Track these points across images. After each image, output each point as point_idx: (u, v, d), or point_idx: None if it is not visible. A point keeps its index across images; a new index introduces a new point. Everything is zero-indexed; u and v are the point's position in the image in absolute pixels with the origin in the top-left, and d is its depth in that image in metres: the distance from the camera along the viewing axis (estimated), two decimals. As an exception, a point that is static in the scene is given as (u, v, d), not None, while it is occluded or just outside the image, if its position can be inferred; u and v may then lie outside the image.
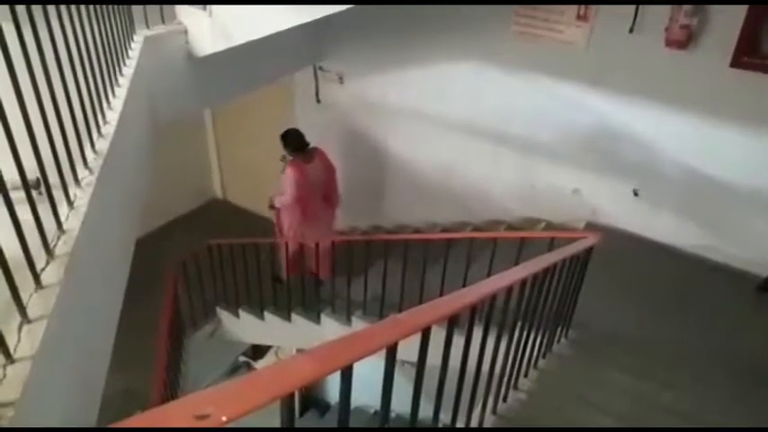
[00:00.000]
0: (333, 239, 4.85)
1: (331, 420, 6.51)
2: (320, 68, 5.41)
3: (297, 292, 4.33)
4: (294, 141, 4.55)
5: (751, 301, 3.76)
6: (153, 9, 3.27)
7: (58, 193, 1.49)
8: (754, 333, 3.47)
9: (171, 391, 3.69)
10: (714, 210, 4.01)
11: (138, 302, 2.59)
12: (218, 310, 4.85)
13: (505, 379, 2.59)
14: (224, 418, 0.77)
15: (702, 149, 3.86)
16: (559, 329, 3.17)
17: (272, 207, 4.92)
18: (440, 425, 2.01)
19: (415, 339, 1.42)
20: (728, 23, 3.41)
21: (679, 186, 4.05)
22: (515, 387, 2.77)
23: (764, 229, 3.83)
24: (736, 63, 3.45)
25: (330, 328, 4.24)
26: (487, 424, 2.52)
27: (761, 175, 3.71)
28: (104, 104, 2.15)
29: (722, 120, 3.70)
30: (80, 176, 1.69)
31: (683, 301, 3.70)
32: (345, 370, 1.12)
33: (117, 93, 2.35)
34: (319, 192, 4.76)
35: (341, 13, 3.14)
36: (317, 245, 4.27)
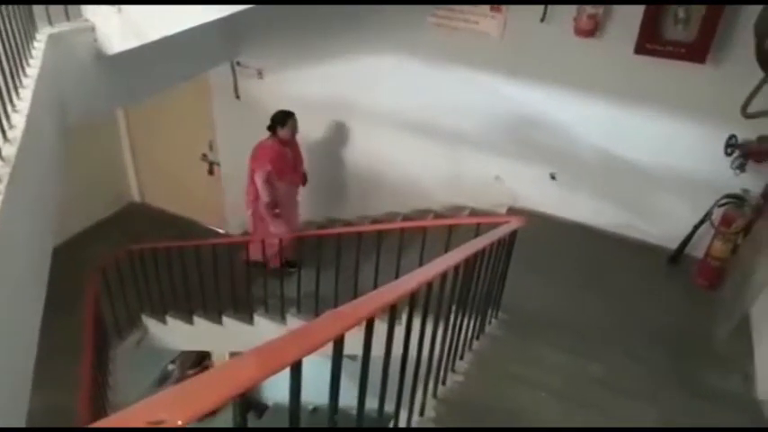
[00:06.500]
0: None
1: (270, 421, 6.44)
2: (238, 64, 5.29)
3: (225, 291, 4.24)
4: None
5: (663, 272, 4.03)
6: (56, 6, 3.07)
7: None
8: (666, 303, 3.72)
9: (99, 406, 3.52)
10: (627, 190, 4.24)
11: (58, 315, 2.45)
12: (144, 317, 4.67)
13: (443, 363, 2.65)
14: (179, 422, 0.75)
15: (614, 133, 4.08)
16: (490, 311, 3.28)
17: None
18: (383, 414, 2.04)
19: (355, 333, 1.43)
20: (631, 12, 3.61)
21: (594, 169, 4.26)
22: (453, 370, 2.84)
23: (672, 206, 4.10)
24: (639, 49, 3.65)
25: (264, 329, 4.18)
26: (429, 408, 2.57)
27: (668, 155, 3.96)
28: (8, 107, 2.01)
29: (630, 104, 3.92)
30: (-12, 185, 1.58)
31: (603, 278, 3.92)
32: (294, 366, 1.12)
33: (22, 94, 2.20)
34: None
35: (256, 7, 3.08)
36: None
